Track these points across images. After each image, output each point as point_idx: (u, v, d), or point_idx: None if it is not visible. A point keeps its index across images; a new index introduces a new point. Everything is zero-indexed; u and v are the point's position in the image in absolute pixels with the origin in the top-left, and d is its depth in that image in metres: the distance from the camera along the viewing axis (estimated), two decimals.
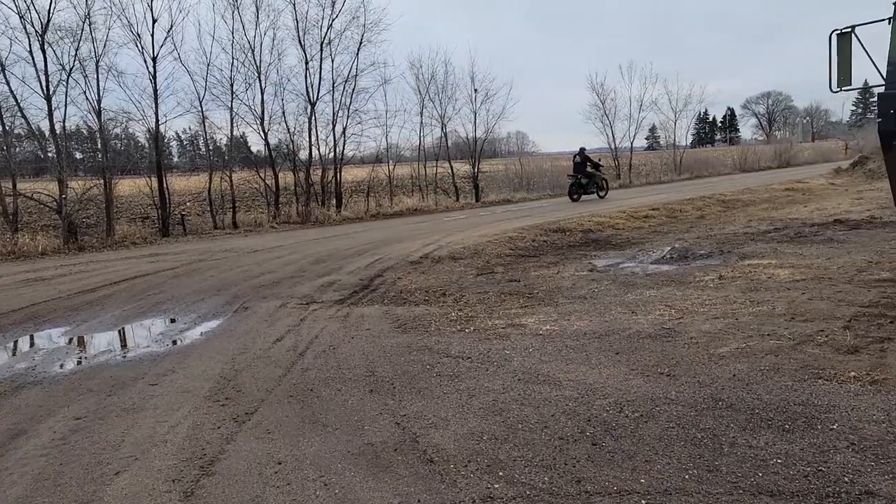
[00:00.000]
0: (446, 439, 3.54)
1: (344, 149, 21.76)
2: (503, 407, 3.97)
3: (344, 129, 21.54)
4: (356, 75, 21.13)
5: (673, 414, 3.64)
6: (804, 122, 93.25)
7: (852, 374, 4.00)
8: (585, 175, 22.07)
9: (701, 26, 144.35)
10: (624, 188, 29.02)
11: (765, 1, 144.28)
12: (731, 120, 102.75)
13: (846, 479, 2.84)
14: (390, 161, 23.67)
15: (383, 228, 16.92)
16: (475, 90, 24.62)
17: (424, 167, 24.20)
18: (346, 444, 3.60)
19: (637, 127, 32.85)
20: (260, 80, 19.99)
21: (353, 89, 21.27)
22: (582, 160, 22.20)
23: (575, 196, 21.82)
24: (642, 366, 4.53)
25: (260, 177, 20.65)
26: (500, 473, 3.12)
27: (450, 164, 24.49)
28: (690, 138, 53.26)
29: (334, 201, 21.46)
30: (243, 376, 5.03)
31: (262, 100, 20.16)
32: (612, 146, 32.43)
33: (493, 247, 12.40)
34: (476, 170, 24.64)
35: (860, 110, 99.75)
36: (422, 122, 23.96)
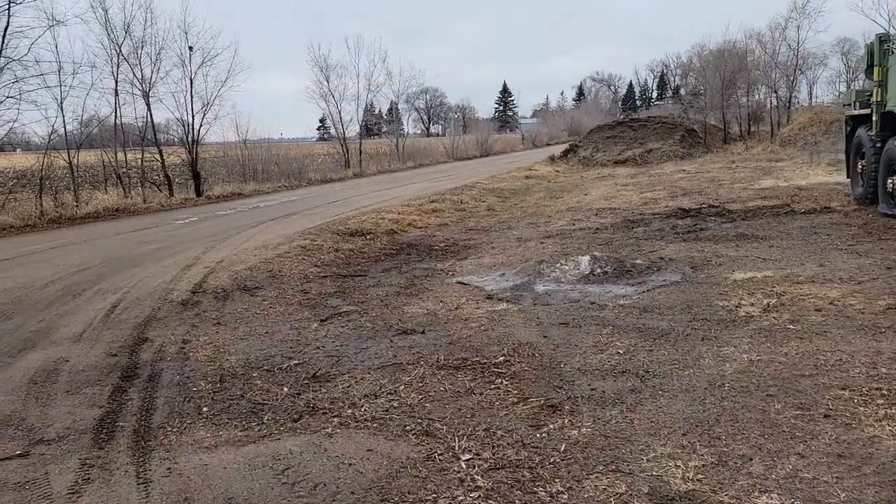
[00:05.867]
0: None
1: None
2: None
3: None
4: (10, 6, 14.31)
5: None
6: (456, 116, 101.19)
7: None
8: None
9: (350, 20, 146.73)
10: (360, 177, 26.32)
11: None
12: (396, 113, 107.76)
13: None
14: (70, 144, 16.93)
15: (89, 241, 11.42)
16: (190, 48, 18.98)
17: (124, 153, 17.94)
18: None
19: (365, 111, 30.29)
20: None
21: (7, 28, 14.37)
22: None
23: None
24: None
25: None
26: None
27: (158, 147, 18.61)
28: (357, 129, 52.83)
29: None
30: None
31: None
32: (341, 130, 29.26)
33: (288, 264, 8.69)
34: (195, 156, 19.20)
35: (501, 107, 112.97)
36: (117, 90, 17.64)
